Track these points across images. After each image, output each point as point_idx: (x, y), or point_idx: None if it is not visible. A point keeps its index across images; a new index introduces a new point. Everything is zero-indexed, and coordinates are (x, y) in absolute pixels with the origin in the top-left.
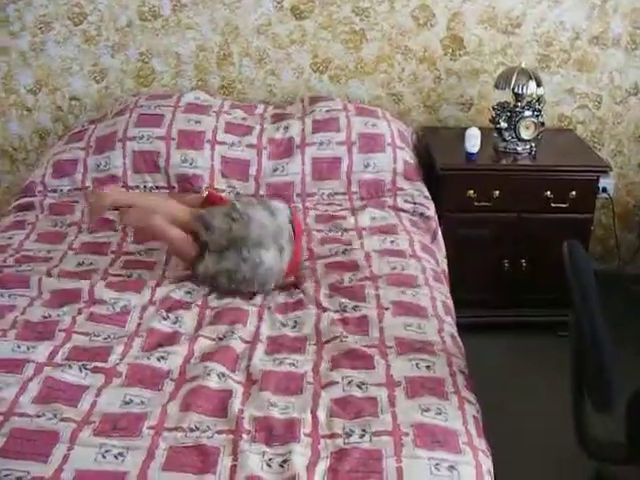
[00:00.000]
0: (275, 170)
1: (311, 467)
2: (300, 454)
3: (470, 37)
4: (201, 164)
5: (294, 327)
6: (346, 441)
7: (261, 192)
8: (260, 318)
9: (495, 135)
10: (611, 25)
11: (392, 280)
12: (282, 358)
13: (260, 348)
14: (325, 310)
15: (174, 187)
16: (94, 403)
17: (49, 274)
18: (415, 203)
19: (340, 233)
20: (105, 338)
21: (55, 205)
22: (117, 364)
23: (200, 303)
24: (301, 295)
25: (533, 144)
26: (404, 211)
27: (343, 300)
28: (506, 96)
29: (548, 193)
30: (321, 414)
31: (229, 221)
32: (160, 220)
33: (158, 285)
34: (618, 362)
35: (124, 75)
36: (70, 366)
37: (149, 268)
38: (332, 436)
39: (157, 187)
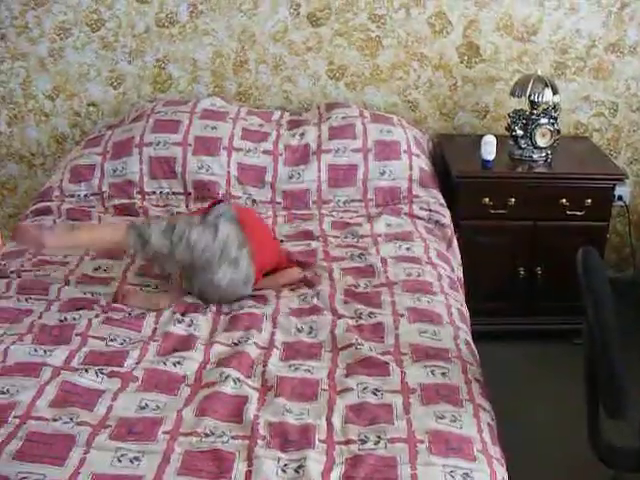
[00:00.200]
0: (291, 177)
1: (326, 473)
2: (315, 460)
3: (486, 44)
4: (217, 170)
5: (310, 333)
6: (361, 447)
7: (277, 199)
8: (275, 324)
9: (511, 143)
10: (628, 33)
11: (408, 287)
12: (297, 364)
13: (276, 354)
14: (340, 316)
15: (190, 193)
16: (110, 407)
17: (67, 281)
18: (431, 210)
19: (356, 240)
20: (121, 343)
21: (72, 210)
22: (133, 369)
23: (215, 308)
24: (316, 300)
25: (549, 152)
26: (420, 218)
27: (359, 306)
28: (522, 104)
29: (564, 201)
30: (336, 420)
31: (169, 244)
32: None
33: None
34: (631, 369)
35: (141, 81)
36: (86, 370)
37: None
38: (347, 442)
39: (173, 193)
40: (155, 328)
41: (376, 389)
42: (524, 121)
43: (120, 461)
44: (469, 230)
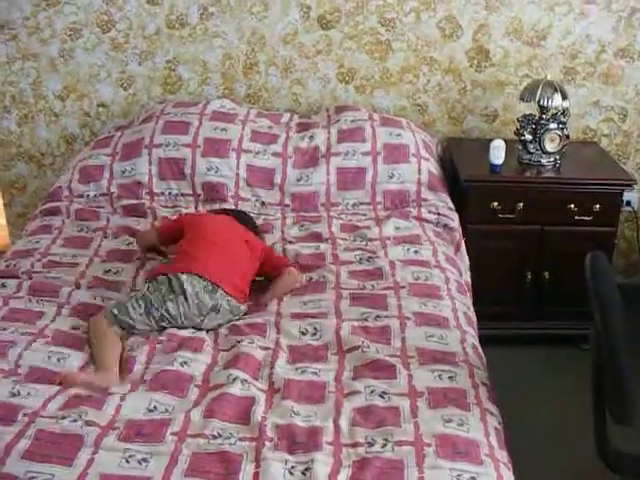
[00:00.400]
0: (300, 179)
1: (333, 475)
2: (322, 462)
3: (496, 49)
4: (226, 172)
5: (314, 335)
6: (368, 450)
7: (286, 201)
8: (278, 330)
9: (519, 147)
10: (637, 38)
11: (415, 290)
12: (304, 367)
13: (282, 356)
14: (346, 319)
15: (199, 195)
16: (118, 408)
17: (78, 285)
18: (439, 214)
19: (364, 243)
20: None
21: (81, 210)
22: (143, 374)
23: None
24: (321, 302)
25: (557, 157)
26: (428, 222)
27: (365, 309)
28: (531, 108)
29: (572, 206)
30: (343, 423)
31: (153, 324)
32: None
33: None
34: (639, 375)
35: (151, 82)
36: None
37: None
38: (354, 445)
39: (182, 194)
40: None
41: (383, 392)
42: (533, 126)
43: (128, 462)
44: (477, 234)
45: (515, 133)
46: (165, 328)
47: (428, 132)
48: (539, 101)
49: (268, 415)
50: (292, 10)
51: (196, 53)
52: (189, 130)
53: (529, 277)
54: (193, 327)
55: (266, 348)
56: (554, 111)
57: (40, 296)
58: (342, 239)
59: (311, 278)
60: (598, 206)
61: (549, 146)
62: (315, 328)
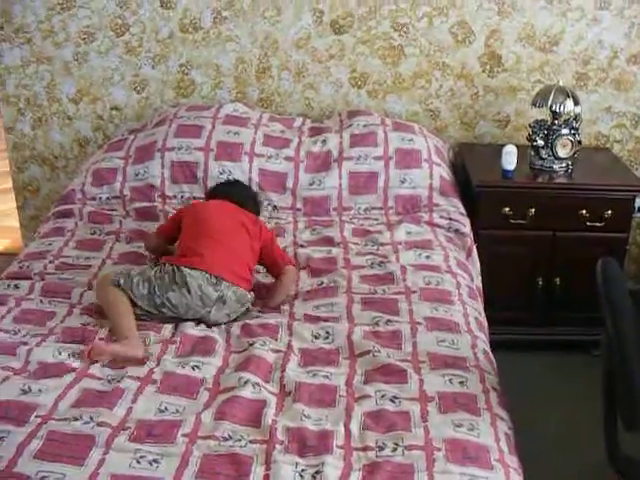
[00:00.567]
0: (312, 183)
1: (343, 479)
2: (333, 466)
3: (508, 54)
4: (239, 176)
5: (326, 338)
6: (378, 454)
7: (298, 205)
8: (291, 332)
9: (531, 153)
10: None
11: (426, 295)
12: (316, 370)
13: (294, 359)
14: (358, 323)
15: None
16: (130, 409)
17: (90, 286)
18: (451, 219)
19: (376, 247)
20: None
21: (93, 213)
22: (152, 372)
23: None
24: (333, 306)
25: (569, 162)
26: (440, 227)
27: (376, 314)
28: (543, 114)
29: (584, 212)
30: (354, 427)
31: (148, 297)
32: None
33: None
34: None
35: (164, 86)
36: (109, 381)
37: None
38: (365, 449)
39: (194, 197)
40: (174, 332)
41: (394, 396)
42: (545, 131)
43: (139, 463)
44: (489, 239)
45: (527, 139)
46: (170, 314)
47: (440, 137)
48: (551, 107)
49: (279, 418)
50: (305, 15)
51: (209, 57)
52: (202, 134)
53: (540, 283)
54: (203, 322)
55: (278, 351)
56: (566, 117)
57: (52, 297)
58: (354, 243)
59: (322, 282)
60: (610, 212)
61: (561, 152)
62: (327, 332)
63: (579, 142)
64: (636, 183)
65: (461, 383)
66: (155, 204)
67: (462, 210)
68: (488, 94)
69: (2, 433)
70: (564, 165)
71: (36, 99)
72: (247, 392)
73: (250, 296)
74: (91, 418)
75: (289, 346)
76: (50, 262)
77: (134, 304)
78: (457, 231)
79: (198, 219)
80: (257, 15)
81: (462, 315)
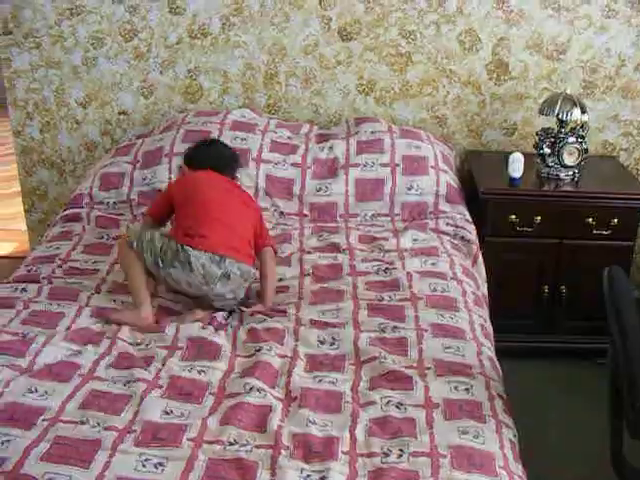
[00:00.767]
0: (319, 190)
1: None
2: (338, 472)
3: (515, 62)
4: (246, 182)
5: (332, 344)
6: (384, 460)
7: (305, 211)
8: (297, 337)
9: (538, 161)
10: None
11: (432, 302)
12: (322, 376)
13: (300, 365)
14: (364, 330)
15: None
16: (136, 412)
17: (98, 290)
18: (457, 226)
19: (382, 254)
20: (147, 344)
21: (101, 217)
22: (158, 376)
23: (235, 323)
24: (339, 312)
25: (576, 170)
26: (446, 234)
27: (382, 320)
28: (550, 122)
29: (590, 220)
30: (359, 433)
31: (153, 265)
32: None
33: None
34: None
35: (172, 91)
36: (114, 382)
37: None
38: (370, 455)
39: None
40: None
41: (399, 403)
42: (552, 139)
43: (144, 466)
44: (495, 247)
45: (534, 146)
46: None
47: (447, 144)
48: (558, 115)
49: (284, 423)
50: (313, 21)
51: (217, 63)
52: None
53: (546, 290)
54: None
55: (284, 356)
56: (573, 125)
57: (60, 300)
58: (360, 250)
59: (328, 287)
60: (616, 220)
61: (568, 160)
62: (333, 338)
63: (586, 150)
64: None
65: (466, 390)
66: None
67: (468, 217)
68: (495, 102)
69: (9, 436)
70: (570, 173)
71: (45, 103)
72: (253, 398)
73: (254, 271)
74: (98, 424)
75: (295, 351)
76: (58, 266)
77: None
78: (463, 238)
79: (194, 199)
80: (265, 21)
81: (468, 322)
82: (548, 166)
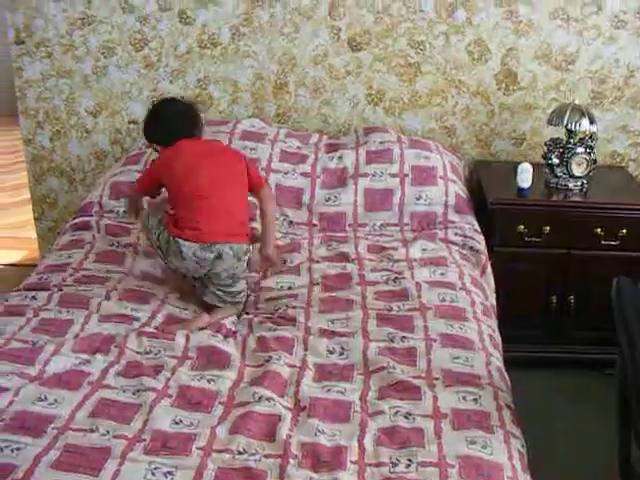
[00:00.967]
0: (328, 199)
1: None
2: None
3: (524, 73)
4: None
5: (341, 354)
6: (392, 470)
7: (314, 221)
8: (306, 346)
9: (547, 171)
10: None
11: (441, 312)
12: (330, 385)
13: (308, 374)
14: (373, 339)
15: None
16: (145, 421)
17: (108, 297)
18: (465, 236)
19: (391, 264)
20: (156, 354)
21: (111, 226)
22: (167, 385)
23: (245, 330)
24: (348, 321)
25: (584, 181)
26: (454, 244)
27: (391, 330)
28: (559, 132)
29: (598, 230)
30: (368, 443)
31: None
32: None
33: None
34: None
35: None
36: (124, 391)
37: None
38: (378, 465)
39: None
40: (187, 345)
41: (408, 413)
42: (560, 150)
43: (154, 474)
44: (503, 257)
45: (542, 157)
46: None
47: (456, 154)
48: (567, 125)
49: (293, 433)
50: (322, 32)
51: (227, 72)
52: None
53: (554, 301)
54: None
55: (293, 366)
56: (582, 135)
57: (69, 307)
58: (369, 260)
59: (337, 296)
60: (625, 231)
61: (576, 170)
62: (342, 347)
63: (594, 161)
64: None
65: (475, 400)
66: None
67: (477, 227)
68: (504, 112)
69: (19, 444)
70: (579, 183)
71: (55, 112)
72: (262, 407)
73: (246, 247)
74: (107, 431)
75: (304, 361)
76: (70, 275)
77: None
78: (472, 248)
79: (185, 187)
80: (275, 32)
81: (476, 332)
82: (557, 176)
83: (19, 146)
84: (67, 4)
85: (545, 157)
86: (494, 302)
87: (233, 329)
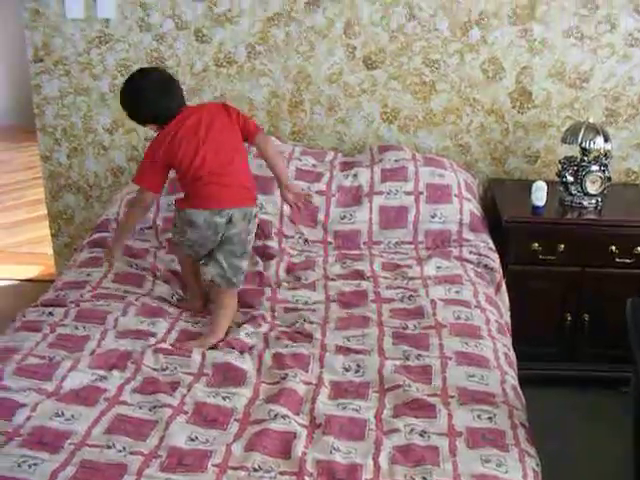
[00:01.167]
0: (343, 217)
1: None
2: None
3: (538, 91)
4: (271, 210)
5: (357, 372)
6: None
7: (329, 239)
8: (322, 363)
9: (561, 189)
10: None
11: (456, 330)
12: (346, 403)
13: (324, 392)
14: (388, 357)
15: None
16: (161, 438)
17: (125, 312)
18: (480, 254)
19: (406, 281)
20: (172, 370)
21: (128, 246)
22: (183, 402)
23: (261, 345)
24: (364, 338)
25: (599, 199)
26: (469, 262)
27: (407, 348)
28: (573, 150)
29: (613, 248)
30: (383, 460)
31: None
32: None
33: None
34: None
35: None
36: (140, 407)
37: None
38: None
39: None
40: (204, 362)
41: (423, 431)
42: (575, 168)
43: None
44: (518, 275)
45: (557, 175)
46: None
47: (470, 172)
48: (581, 143)
49: (309, 450)
50: (338, 50)
51: (243, 91)
52: None
53: (569, 318)
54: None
55: (308, 383)
56: (596, 153)
57: (86, 322)
58: (384, 277)
59: (353, 313)
60: (639, 248)
61: (591, 188)
62: (358, 365)
63: (609, 179)
64: None
65: (489, 419)
66: None
67: (491, 245)
68: (518, 130)
69: (36, 460)
70: (594, 201)
71: (73, 129)
72: (277, 424)
73: (255, 210)
74: (124, 448)
75: (320, 378)
76: (88, 291)
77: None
78: (486, 266)
79: (192, 165)
80: (290, 50)
81: (492, 351)
82: (571, 194)
83: (37, 162)
84: (85, 23)
85: (559, 175)
86: (509, 320)
87: (249, 344)
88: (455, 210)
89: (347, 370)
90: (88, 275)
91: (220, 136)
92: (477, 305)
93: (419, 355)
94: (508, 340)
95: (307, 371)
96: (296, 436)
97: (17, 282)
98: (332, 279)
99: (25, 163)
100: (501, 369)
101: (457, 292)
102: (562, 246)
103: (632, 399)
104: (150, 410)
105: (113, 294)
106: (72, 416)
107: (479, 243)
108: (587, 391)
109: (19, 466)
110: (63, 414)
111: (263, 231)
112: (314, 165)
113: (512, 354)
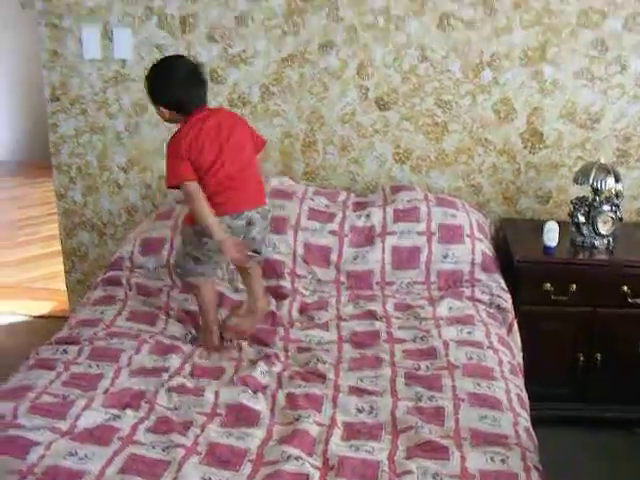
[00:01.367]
0: (355, 258)
1: None
2: None
3: (549, 131)
4: (284, 249)
5: (370, 413)
6: None
7: (342, 279)
8: (335, 404)
9: (573, 229)
10: None
11: (469, 371)
12: (359, 444)
13: (337, 433)
14: (401, 398)
15: None
16: (175, 479)
17: (138, 351)
18: (492, 295)
19: (418, 322)
20: (186, 410)
21: (141, 285)
22: (197, 442)
23: (274, 386)
24: (377, 379)
25: (611, 239)
26: (481, 302)
27: (419, 389)
28: (584, 190)
29: (625, 288)
30: None
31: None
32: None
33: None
34: None
35: None
36: (153, 447)
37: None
38: None
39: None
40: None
41: (435, 473)
42: (586, 208)
43: None
44: (529, 315)
45: (569, 215)
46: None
47: (482, 212)
48: (592, 184)
49: None
50: (351, 91)
51: (256, 131)
52: None
53: (581, 359)
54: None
55: (321, 424)
56: (607, 194)
57: (100, 360)
58: (396, 318)
59: (366, 354)
60: None
61: (602, 228)
62: (371, 407)
63: (620, 219)
64: None
65: (502, 461)
66: None
67: (503, 285)
68: (530, 170)
69: None
70: (605, 242)
71: (88, 168)
72: (290, 465)
73: (268, 207)
74: None
75: (333, 419)
76: (102, 329)
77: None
78: (499, 307)
79: (211, 169)
80: (304, 91)
81: (504, 392)
82: (583, 234)
83: (51, 198)
84: (102, 63)
85: (571, 215)
86: (521, 361)
87: (263, 383)
88: (467, 250)
89: (360, 411)
90: (102, 313)
91: (240, 143)
92: (489, 346)
93: (432, 396)
94: (520, 381)
95: (320, 412)
96: (309, 478)
97: (31, 318)
98: (345, 319)
99: (40, 199)
100: (514, 411)
101: (469, 333)
102: (574, 286)
103: None
104: (163, 450)
105: (127, 332)
106: (86, 455)
107: (491, 283)
108: (599, 431)
109: None
110: (77, 453)
111: (276, 271)
112: (327, 205)
113: (524, 395)
